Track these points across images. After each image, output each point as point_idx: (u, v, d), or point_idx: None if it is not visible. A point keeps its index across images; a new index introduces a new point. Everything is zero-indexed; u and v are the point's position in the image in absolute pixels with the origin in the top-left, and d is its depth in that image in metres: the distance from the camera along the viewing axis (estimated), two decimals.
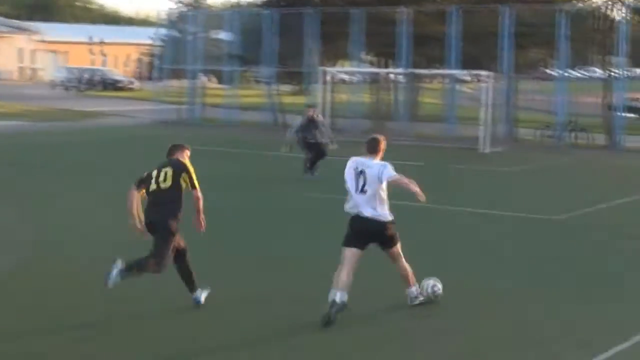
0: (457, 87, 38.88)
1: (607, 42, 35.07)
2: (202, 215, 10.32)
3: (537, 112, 38.57)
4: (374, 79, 42.11)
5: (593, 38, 36.11)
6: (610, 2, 35.45)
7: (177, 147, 10.82)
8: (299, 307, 10.59)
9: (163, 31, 46.36)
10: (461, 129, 35.50)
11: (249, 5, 49.42)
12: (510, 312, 10.75)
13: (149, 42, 66.08)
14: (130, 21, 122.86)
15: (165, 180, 10.23)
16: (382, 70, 41.43)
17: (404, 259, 10.55)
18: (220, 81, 56.67)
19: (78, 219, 16.53)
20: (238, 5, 52.32)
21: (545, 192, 21.39)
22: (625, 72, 33.92)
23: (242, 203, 18.75)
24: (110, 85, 71.52)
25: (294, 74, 42.94)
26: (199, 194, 10.23)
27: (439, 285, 10.77)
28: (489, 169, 25.99)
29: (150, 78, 65.61)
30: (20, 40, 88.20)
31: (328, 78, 34.93)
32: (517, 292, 11.63)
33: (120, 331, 9.77)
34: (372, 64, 44.53)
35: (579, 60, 39.63)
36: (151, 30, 63.29)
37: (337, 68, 41.65)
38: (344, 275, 10.04)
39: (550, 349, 9.40)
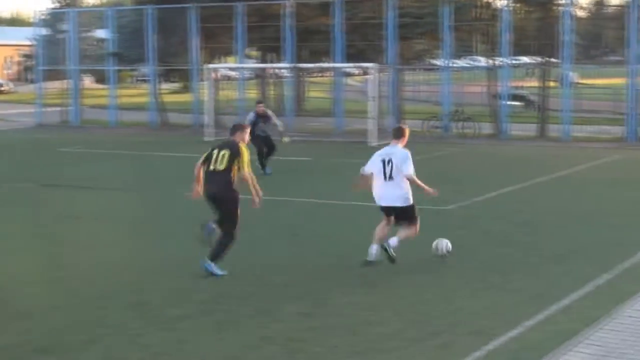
0: (344, 80, 38.96)
1: (490, 31, 35.62)
2: (254, 191, 12.18)
3: (423, 103, 39.02)
4: (260, 75, 41.97)
5: (477, 28, 36.62)
6: None
7: (237, 127, 12.69)
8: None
9: (41, 31, 45.24)
10: (349, 122, 35.64)
11: (128, 2, 48.77)
12: (405, 302, 10.74)
13: (27, 43, 64.69)
14: (12, 22, 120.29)
15: (221, 163, 12.10)
16: (267, 66, 41.32)
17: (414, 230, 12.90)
18: (100, 81, 55.92)
19: None
20: (115, 2, 51.58)
21: (432, 184, 21.50)
22: (509, 61, 34.48)
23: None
24: None
25: (177, 72, 42.52)
26: (247, 175, 12.08)
27: (450, 245, 12.80)
28: None
29: (30, 80, 64.35)
30: None
31: (212, 75, 34.67)
32: (411, 283, 11.65)
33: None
34: (257, 59, 44.43)
35: (464, 50, 40.16)
36: (31, 31, 62.04)
37: (222, 65, 41.33)
38: (379, 230, 12.81)
39: (446, 337, 9.40)
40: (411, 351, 9.02)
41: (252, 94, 40.68)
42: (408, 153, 13.14)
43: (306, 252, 13.72)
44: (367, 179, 13.31)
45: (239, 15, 36.87)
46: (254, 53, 45.75)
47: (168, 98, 41.57)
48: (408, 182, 12.97)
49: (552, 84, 35.41)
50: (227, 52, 43.29)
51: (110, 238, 15.23)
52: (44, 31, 45.68)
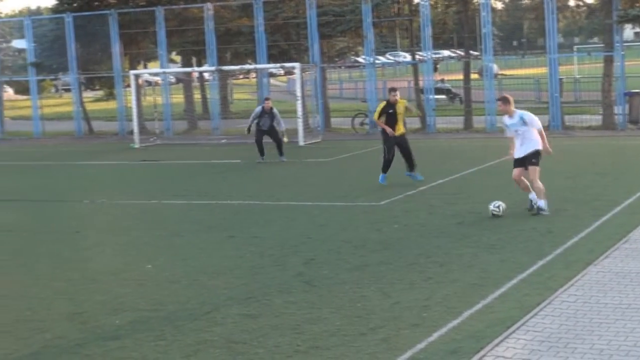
0: (269, 80, 38.90)
1: (411, 27, 35.89)
2: None
3: (349, 101, 39.18)
4: (184, 79, 41.77)
5: (398, 23, 36.88)
6: None
7: None
8: None
9: None
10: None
11: (44, 10, 48.12)
12: (344, 299, 10.75)
13: None
14: None
15: None
16: (191, 70, 41.08)
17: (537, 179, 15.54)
18: (21, 92, 55.12)
19: None
20: (32, 11, 50.89)
21: (362, 181, 21.62)
22: (431, 55, 34.76)
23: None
24: None
25: (100, 79, 42.12)
26: None
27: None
28: (306, 161, 26.13)
29: None
30: None
31: (137, 81, 34.39)
32: (348, 280, 11.69)
33: None
34: (180, 63, 44.20)
35: (387, 46, 40.42)
36: None
37: (145, 70, 40.99)
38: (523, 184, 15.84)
39: (386, 331, 9.43)
40: (353, 347, 9.01)
41: (177, 98, 40.45)
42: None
43: (242, 253, 13.67)
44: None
45: (160, 20, 36.62)
46: (177, 57, 45.52)
47: (92, 106, 41.18)
48: None
49: (474, 76, 35.80)
50: (150, 58, 43.02)
51: (25, 251, 15.01)
52: None
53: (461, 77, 36.86)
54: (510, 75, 43.06)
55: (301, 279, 11.89)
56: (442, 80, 41.68)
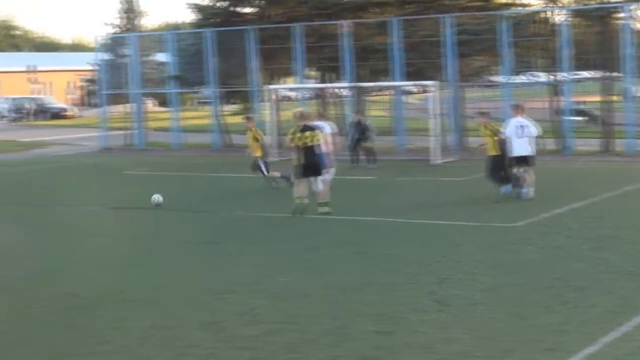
0: (404, 98, 38.84)
1: (550, 47, 35.33)
2: None
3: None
4: (319, 95, 42.04)
5: (536, 43, 36.36)
6: (550, 6, 35.73)
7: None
8: None
9: (102, 56, 45.81)
10: (411, 140, 35.57)
11: (186, 25, 49.21)
12: (477, 321, 10.64)
13: (89, 68, 65.40)
14: (73, 48, 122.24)
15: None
16: (327, 86, 41.33)
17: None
18: (162, 104, 56.47)
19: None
20: (173, 26, 52.08)
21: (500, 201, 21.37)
22: (570, 76, 34.17)
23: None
24: (47, 112, 70.48)
25: (238, 93, 42.75)
26: None
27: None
28: (441, 180, 25.99)
29: (93, 104, 65.09)
30: None
31: (273, 96, 34.84)
32: (482, 301, 11.57)
33: None
34: (316, 79, 44.51)
35: (524, 65, 39.84)
36: (91, 56, 62.94)
37: (282, 85, 41.48)
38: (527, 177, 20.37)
39: (519, 355, 9.29)
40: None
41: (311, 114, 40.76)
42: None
43: (375, 270, 13.67)
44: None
45: (298, 36, 37.01)
46: (313, 73, 45.87)
47: (230, 119, 41.76)
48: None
49: (614, 97, 34.98)
50: (287, 73, 43.47)
51: (166, 259, 15.34)
52: (105, 56, 46.23)
53: (599, 98, 36.09)
54: None
55: (434, 297, 11.82)
56: (583, 102, 40.90)
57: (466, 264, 13.94)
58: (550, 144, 32.86)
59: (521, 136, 20.43)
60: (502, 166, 21.10)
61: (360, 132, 30.10)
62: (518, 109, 21.43)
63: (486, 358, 9.25)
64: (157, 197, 21.07)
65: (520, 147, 20.48)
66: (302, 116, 19.66)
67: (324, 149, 19.58)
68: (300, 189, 19.12)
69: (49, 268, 14.83)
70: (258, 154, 24.13)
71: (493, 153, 21.32)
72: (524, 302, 11.47)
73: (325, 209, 19.08)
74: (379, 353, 9.52)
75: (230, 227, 18.56)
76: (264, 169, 24.07)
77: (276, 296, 12.19)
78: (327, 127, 22.83)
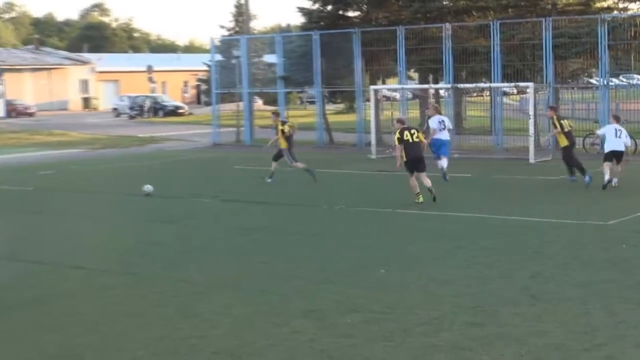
0: (502, 99, 38.44)
1: None
2: None
3: (581, 121, 38.14)
4: (420, 95, 41.92)
5: (634, 46, 35.62)
6: None
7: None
8: None
9: (216, 57, 46.47)
10: (508, 140, 35.22)
11: (293, 28, 49.49)
12: (569, 314, 10.55)
13: (203, 68, 66.34)
14: (187, 49, 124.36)
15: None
16: (427, 86, 41.18)
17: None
18: (269, 103, 56.95)
19: None
20: (282, 28, 52.45)
21: (596, 200, 21.05)
22: None
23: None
24: (162, 110, 71.89)
25: (341, 93, 42.87)
26: None
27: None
28: (536, 179, 25.68)
29: (205, 102, 66.03)
30: (79, 72, 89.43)
31: (375, 96, 34.91)
32: (573, 296, 11.45)
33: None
34: (417, 80, 44.38)
35: (621, 68, 39.07)
36: (205, 57, 63.96)
37: (384, 86, 41.46)
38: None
39: (610, 349, 9.18)
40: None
41: (414, 113, 40.63)
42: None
43: (470, 264, 13.62)
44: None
45: (400, 39, 36.98)
46: (414, 74, 45.75)
47: (333, 118, 41.94)
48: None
49: None
50: (389, 74, 43.43)
51: (271, 249, 15.51)
52: (217, 57, 46.87)
53: None
54: None
55: (527, 292, 11.73)
56: None
57: (558, 260, 13.81)
58: None
59: (618, 137, 22.40)
60: (571, 154, 23.97)
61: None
62: (617, 119, 23.58)
63: (577, 351, 9.17)
64: (147, 187, 22.89)
65: (617, 144, 22.33)
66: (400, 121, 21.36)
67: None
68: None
69: (164, 255, 15.17)
70: (284, 145, 25.16)
71: (564, 144, 23.80)
72: (615, 298, 11.32)
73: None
74: (472, 344, 9.51)
75: (331, 220, 18.67)
76: (288, 159, 25.16)
77: (374, 287, 12.26)
78: (447, 121, 25.66)
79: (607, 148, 22.58)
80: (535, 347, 9.35)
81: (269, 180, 25.22)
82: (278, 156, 25.50)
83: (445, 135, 25.23)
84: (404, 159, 20.12)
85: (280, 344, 9.71)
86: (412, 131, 20.38)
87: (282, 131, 25.27)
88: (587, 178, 22.64)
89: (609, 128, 22.94)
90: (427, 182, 20.13)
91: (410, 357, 9.14)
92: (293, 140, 25.75)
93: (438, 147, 25.00)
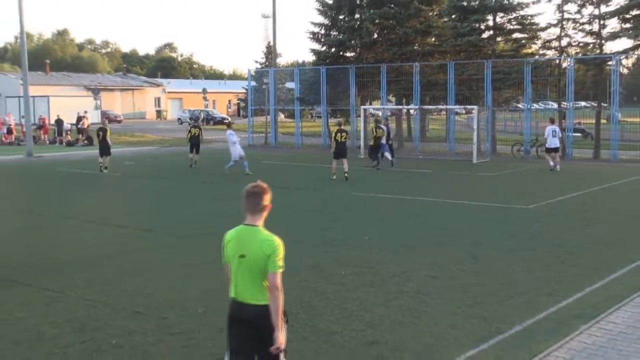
0: (454, 117, 38.35)
1: (559, 83, 34.49)
2: None
3: (510, 134, 38.02)
4: (396, 113, 41.82)
5: (549, 81, 35.48)
6: (561, 56, 34.88)
7: None
8: None
9: (252, 83, 46.39)
10: (458, 146, 35.14)
11: (307, 63, 49.31)
12: (498, 271, 10.49)
13: (242, 90, 65.85)
14: (231, 77, 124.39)
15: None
16: (401, 107, 41.09)
17: None
18: (288, 117, 56.78)
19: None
20: (299, 63, 52.17)
21: (518, 190, 20.99)
22: (572, 104, 33.28)
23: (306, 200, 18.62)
24: (212, 120, 72.18)
25: (340, 110, 42.84)
26: None
27: None
28: (478, 175, 25.62)
29: (243, 115, 65.86)
30: (154, 92, 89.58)
31: (364, 113, 34.85)
32: (503, 258, 11.39)
33: None
34: (393, 102, 44.26)
35: (540, 96, 38.87)
36: (243, 83, 63.70)
37: (370, 106, 41.34)
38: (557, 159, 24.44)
39: (528, 296, 9.14)
40: (504, 305, 8.81)
41: (392, 124, 40.58)
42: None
43: (430, 235, 13.53)
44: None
45: (383, 73, 36.87)
46: (392, 98, 45.59)
47: (333, 128, 41.70)
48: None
49: (603, 121, 34.00)
50: (374, 97, 43.28)
51: (286, 225, 15.39)
52: (252, 83, 46.78)
53: (593, 121, 35.10)
54: (630, 121, 40.39)
55: (470, 254, 11.69)
56: (579, 123, 39.72)
57: (492, 234, 13.74)
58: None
59: (555, 136, 25.09)
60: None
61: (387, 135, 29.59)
62: (552, 121, 26.45)
63: (505, 297, 9.13)
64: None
65: (555, 142, 25.43)
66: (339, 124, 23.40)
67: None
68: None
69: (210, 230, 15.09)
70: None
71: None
72: (533, 261, 11.27)
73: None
74: (430, 290, 9.48)
75: (332, 201, 18.58)
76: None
77: (360, 249, 12.20)
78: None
79: (549, 145, 25.59)
80: (475, 294, 9.31)
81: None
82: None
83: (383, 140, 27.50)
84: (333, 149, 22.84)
85: (293, 288, 9.67)
86: (343, 133, 22.68)
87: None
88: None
89: (549, 130, 25.58)
90: (346, 167, 22.53)
91: (386, 299, 9.11)
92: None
93: (382, 146, 27.36)
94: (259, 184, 5.26)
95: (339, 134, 23.04)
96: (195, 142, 28.34)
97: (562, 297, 9.07)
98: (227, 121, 72.54)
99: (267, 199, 5.26)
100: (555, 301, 8.88)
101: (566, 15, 34.40)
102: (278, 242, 5.16)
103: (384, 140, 27.56)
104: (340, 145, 22.95)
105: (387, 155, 27.68)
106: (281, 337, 5.01)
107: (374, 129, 27.54)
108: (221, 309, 5.94)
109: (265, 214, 5.30)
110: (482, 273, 10.43)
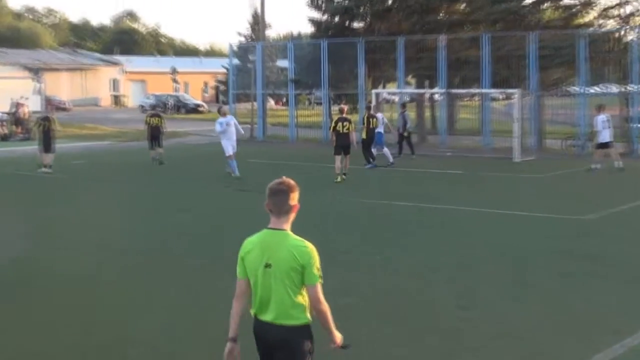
0: (490, 104, 38.35)
1: (621, 62, 34.51)
2: None
3: (561, 125, 38.06)
4: (416, 99, 41.85)
5: (609, 58, 35.49)
6: (624, 26, 34.90)
7: None
8: None
9: (233, 61, 46.43)
10: (495, 141, 35.18)
11: (304, 36, 49.46)
12: (549, 298, 10.42)
13: (221, 70, 66.05)
14: (208, 53, 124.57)
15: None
16: (423, 91, 41.12)
17: None
18: (278, 103, 56.82)
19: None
20: (294, 36, 52.36)
21: (573, 196, 20.92)
22: (638, 87, 33.25)
23: None
24: (184, 108, 72.51)
25: (346, 95, 42.86)
26: None
27: None
28: (521, 176, 25.56)
29: (223, 102, 65.97)
30: (111, 72, 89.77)
31: (376, 99, 34.82)
32: (555, 282, 11.33)
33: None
34: (413, 85, 44.32)
35: (597, 78, 38.93)
36: (223, 61, 63.91)
37: (384, 90, 41.38)
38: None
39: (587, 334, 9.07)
40: (555, 343, 8.74)
41: (411, 115, 40.59)
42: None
43: (456, 253, 13.49)
44: None
45: (400, 48, 36.90)
46: (412, 80, 45.64)
47: (335, 117, 41.76)
48: None
49: None
50: (389, 79, 43.35)
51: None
52: (235, 61, 46.81)
53: None
54: None
55: (512, 278, 11.61)
56: None
57: (539, 252, 13.68)
58: (618, 147, 31.96)
59: (609, 127, 24.65)
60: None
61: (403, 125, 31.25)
62: (602, 108, 25.61)
63: (557, 333, 9.06)
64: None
65: (608, 135, 25.17)
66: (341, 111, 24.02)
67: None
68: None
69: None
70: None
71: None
72: (592, 287, 11.21)
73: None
74: (461, 325, 9.40)
75: (335, 210, 18.54)
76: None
77: (372, 268, 12.10)
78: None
79: (602, 139, 25.23)
80: (517, 328, 9.24)
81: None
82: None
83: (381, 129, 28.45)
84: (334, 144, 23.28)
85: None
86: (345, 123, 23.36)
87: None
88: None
89: (600, 120, 25.27)
90: (347, 164, 23.27)
91: (409, 339, 9.05)
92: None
93: (379, 138, 28.19)
94: (285, 180, 5.42)
95: (340, 123, 23.29)
96: (155, 135, 28.60)
97: (628, 333, 8.99)
98: (202, 109, 73.46)
99: (294, 198, 5.40)
100: (618, 339, 8.81)
101: None
102: (312, 248, 5.28)
103: (380, 129, 28.37)
104: (342, 137, 23.03)
105: (386, 152, 28.13)
106: (337, 334, 5.36)
107: (366, 118, 27.43)
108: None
109: (293, 215, 5.43)
110: (528, 303, 10.36)
